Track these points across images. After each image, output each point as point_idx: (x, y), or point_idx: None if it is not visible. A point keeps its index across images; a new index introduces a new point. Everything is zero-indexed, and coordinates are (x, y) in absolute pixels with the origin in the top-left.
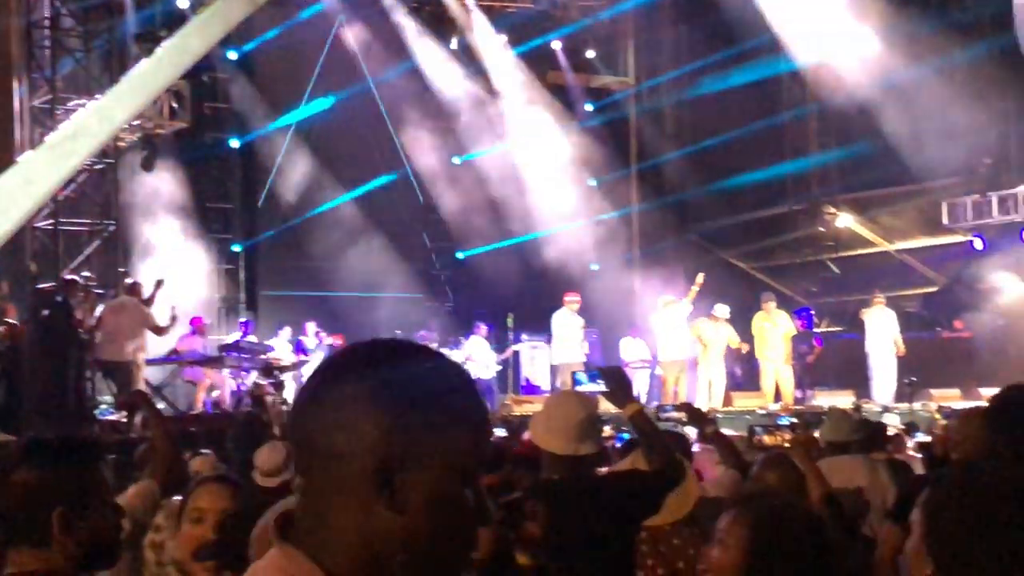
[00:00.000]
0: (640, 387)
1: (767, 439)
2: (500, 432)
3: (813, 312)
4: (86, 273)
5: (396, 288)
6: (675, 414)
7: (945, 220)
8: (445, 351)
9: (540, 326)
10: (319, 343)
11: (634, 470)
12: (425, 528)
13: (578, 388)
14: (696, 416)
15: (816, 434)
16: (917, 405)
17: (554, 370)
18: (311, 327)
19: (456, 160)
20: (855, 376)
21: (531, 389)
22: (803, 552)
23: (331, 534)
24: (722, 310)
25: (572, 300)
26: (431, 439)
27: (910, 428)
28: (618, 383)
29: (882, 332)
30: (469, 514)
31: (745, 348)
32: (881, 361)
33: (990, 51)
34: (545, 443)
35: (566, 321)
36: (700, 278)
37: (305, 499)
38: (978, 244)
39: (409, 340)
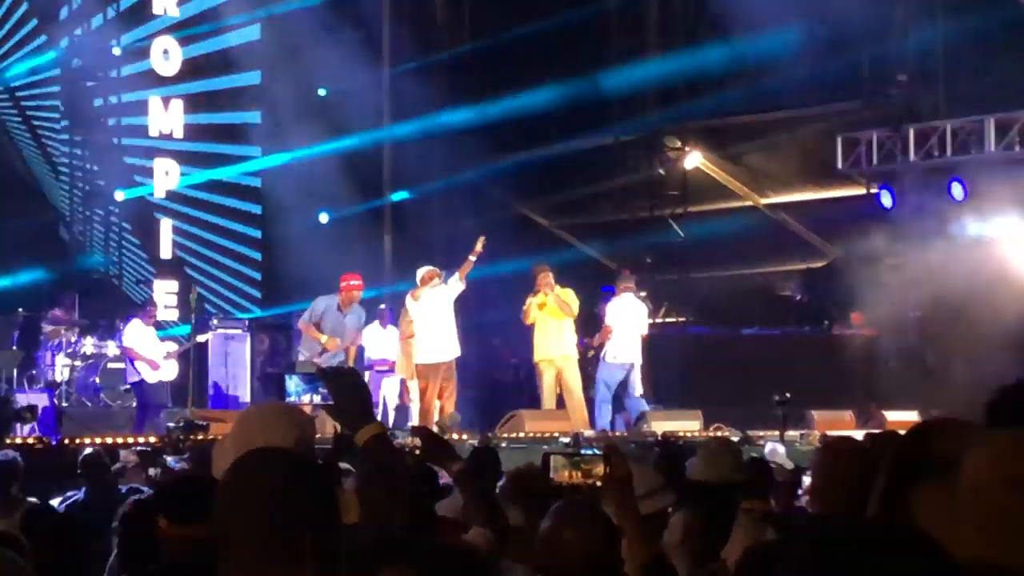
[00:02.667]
0: (389, 399)
1: (567, 475)
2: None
3: (644, 294)
4: None
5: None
6: (409, 440)
7: (839, 163)
8: (90, 341)
9: (238, 303)
10: None
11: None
12: None
13: (289, 400)
14: (434, 446)
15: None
16: (794, 434)
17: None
18: None
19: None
20: (709, 388)
21: (222, 400)
22: None
23: None
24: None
25: (355, 284)
26: None
27: (798, 470)
28: (349, 393)
29: (627, 334)
30: None
31: None
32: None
33: None
34: None
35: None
36: (480, 243)
37: None
38: (886, 199)
39: None
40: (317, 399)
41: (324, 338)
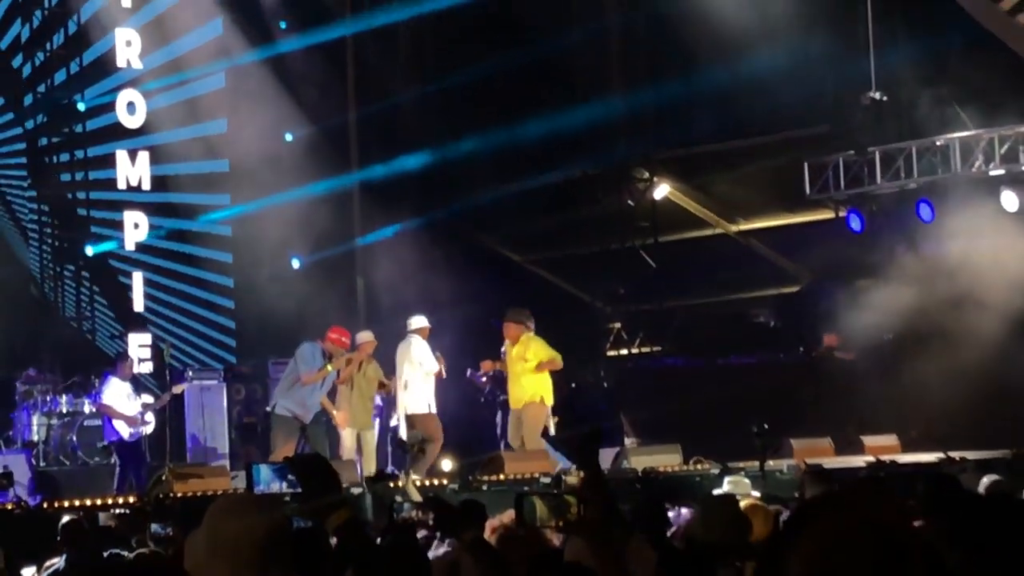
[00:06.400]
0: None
1: (548, 520)
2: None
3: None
4: None
5: None
6: (414, 514)
7: (808, 189)
8: (65, 399)
9: (212, 352)
10: None
11: None
12: None
13: (259, 489)
14: (446, 513)
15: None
16: (781, 464)
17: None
18: None
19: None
20: (687, 419)
21: (201, 452)
22: None
23: None
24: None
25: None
26: None
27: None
28: (316, 481)
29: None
30: None
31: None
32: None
33: None
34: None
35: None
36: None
37: None
38: (855, 223)
39: None
40: (286, 487)
41: (329, 367)
